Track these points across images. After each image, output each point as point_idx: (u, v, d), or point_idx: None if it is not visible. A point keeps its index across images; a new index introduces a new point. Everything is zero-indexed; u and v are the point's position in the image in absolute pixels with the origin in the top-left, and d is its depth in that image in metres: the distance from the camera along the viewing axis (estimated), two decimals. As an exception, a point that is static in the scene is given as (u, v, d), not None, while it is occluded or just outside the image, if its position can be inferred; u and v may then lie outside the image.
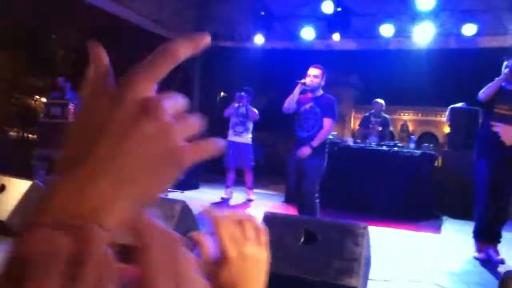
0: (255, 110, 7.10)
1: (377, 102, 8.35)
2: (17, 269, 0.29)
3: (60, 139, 0.35)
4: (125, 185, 0.33)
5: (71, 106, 6.94)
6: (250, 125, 7.15)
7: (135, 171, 0.34)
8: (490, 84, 4.35)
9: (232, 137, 7.09)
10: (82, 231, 0.31)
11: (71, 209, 0.31)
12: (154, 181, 0.35)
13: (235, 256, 0.64)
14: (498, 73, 4.42)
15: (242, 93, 7.05)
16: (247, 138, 7.13)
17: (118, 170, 0.33)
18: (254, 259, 0.66)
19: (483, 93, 4.37)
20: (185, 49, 0.39)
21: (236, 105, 7.08)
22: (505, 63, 4.34)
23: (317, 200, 4.62)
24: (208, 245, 0.65)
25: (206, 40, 0.41)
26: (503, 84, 4.29)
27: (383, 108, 8.32)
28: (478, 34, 8.39)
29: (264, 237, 0.69)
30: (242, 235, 0.66)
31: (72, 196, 0.32)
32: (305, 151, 4.55)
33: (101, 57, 0.39)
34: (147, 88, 0.36)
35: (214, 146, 0.38)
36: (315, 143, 4.56)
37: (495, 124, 4.17)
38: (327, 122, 4.63)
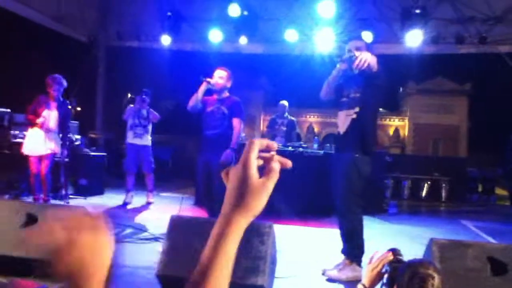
0: (156, 113, 7.06)
1: (280, 104, 8.67)
2: None
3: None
4: None
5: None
6: (150, 127, 7.08)
7: None
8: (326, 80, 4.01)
9: (131, 140, 6.96)
10: None
11: None
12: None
13: (65, 243, 0.66)
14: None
15: (144, 96, 6.94)
16: (147, 140, 7.06)
17: None
18: (88, 245, 0.69)
19: (322, 90, 4.04)
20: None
21: (135, 107, 6.96)
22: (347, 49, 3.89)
23: None
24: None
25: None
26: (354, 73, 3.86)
27: (286, 109, 8.63)
28: (374, 41, 9.00)
29: (101, 222, 0.72)
30: (76, 223, 0.69)
31: None
32: (228, 154, 4.55)
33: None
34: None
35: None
36: (234, 144, 4.59)
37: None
38: (236, 122, 4.65)
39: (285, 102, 8.68)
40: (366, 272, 1.79)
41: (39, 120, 5.93)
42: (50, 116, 6.03)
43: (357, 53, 3.54)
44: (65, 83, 6.16)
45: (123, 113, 7.08)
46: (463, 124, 29.72)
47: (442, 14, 9.05)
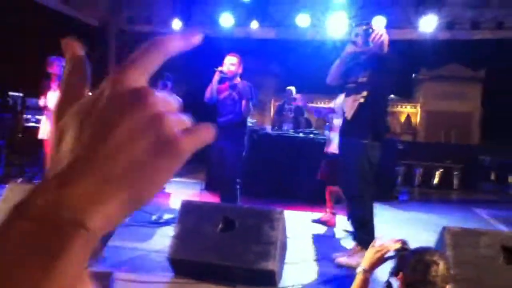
0: (178, 98, 7.04)
1: (287, 89, 8.60)
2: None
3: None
4: (114, 183, 0.30)
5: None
6: None
7: (126, 167, 0.30)
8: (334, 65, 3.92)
9: None
10: (65, 229, 0.28)
11: (53, 208, 0.28)
12: (149, 178, 0.31)
13: None
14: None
15: (167, 82, 6.92)
16: None
17: (106, 166, 0.30)
18: None
19: (329, 75, 3.98)
20: (176, 45, 0.36)
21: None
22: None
23: (238, 186, 4.63)
24: None
25: (198, 37, 0.38)
26: (361, 58, 3.81)
27: (294, 94, 8.55)
28: (387, 26, 8.85)
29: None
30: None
31: (53, 195, 0.29)
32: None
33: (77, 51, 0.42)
34: (138, 80, 0.33)
35: (209, 131, 0.35)
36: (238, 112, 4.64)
37: None
38: (244, 103, 4.64)
39: (292, 88, 8.61)
40: (367, 254, 1.78)
41: (41, 101, 6.03)
42: (55, 97, 6.07)
43: (374, 27, 3.47)
44: (64, 62, 6.18)
45: None
46: (476, 111, 29.30)
47: (458, -1, 8.87)
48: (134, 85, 0.32)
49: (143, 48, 0.34)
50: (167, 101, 0.33)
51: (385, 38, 3.42)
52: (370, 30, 3.44)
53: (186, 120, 0.34)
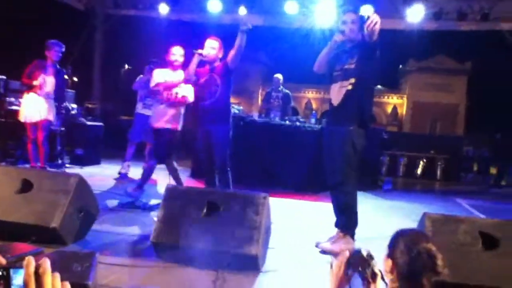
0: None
1: (274, 77, 8.59)
2: None
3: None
4: None
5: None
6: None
7: None
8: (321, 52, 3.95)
9: (141, 110, 6.89)
10: None
11: None
12: None
13: None
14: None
15: (152, 66, 6.87)
16: None
17: None
18: None
19: (316, 62, 4.00)
20: None
21: (144, 77, 6.89)
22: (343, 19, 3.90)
23: (229, 168, 4.61)
24: None
25: None
26: (347, 46, 3.89)
27: (281, 82, 8.54)
28: (375, 16, 8.86)
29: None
30: None
31: None
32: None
33: None
34: None
35: None
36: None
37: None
38: (231, 54, 4.47)
39: (279, 76, 8.59)
40: (331, 280, 1.64)
41: (36, 82, 5.80)
42: (47, 81, 5.94)
43: (370, 14, 3.48)
44: (63, 49, 6.04)
45: (127, 84, 7.01)
46: (461, 103, 29.66)
47: (445, -11, 8.91)
48: None
49: None
50: None
51: (378, 27, 3.42)
52: (365, 18, 3.45)
53: None
